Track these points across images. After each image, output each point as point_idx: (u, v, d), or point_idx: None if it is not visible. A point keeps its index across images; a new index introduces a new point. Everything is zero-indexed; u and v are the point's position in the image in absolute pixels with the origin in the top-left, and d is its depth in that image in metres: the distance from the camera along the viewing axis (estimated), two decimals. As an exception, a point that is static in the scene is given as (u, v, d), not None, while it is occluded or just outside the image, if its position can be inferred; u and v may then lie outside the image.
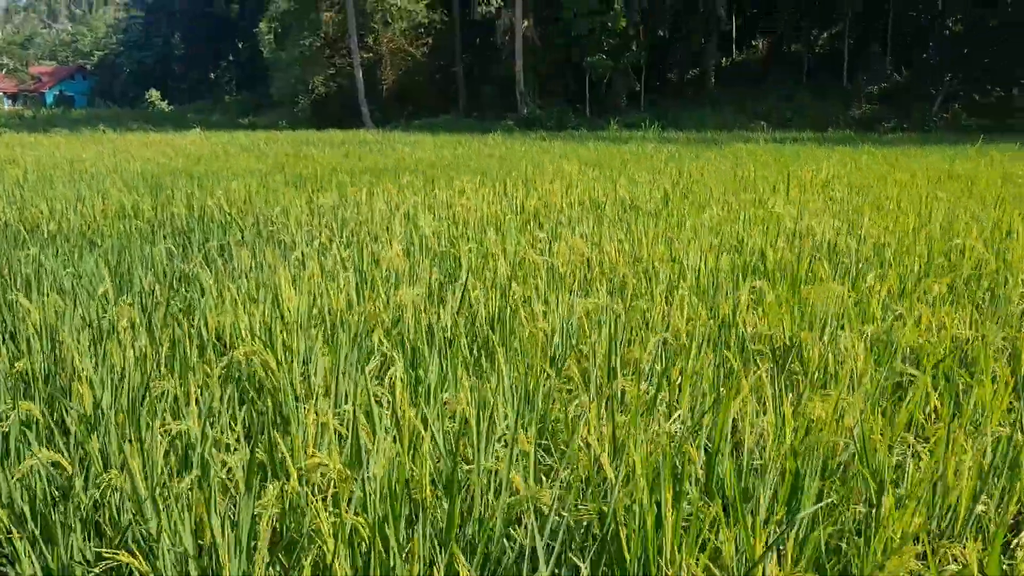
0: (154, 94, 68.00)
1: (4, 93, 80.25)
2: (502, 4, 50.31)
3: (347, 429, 2.98)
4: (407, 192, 9.88)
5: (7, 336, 4.73)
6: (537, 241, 6.75)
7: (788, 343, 4.09)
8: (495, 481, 2.65)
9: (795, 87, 46.48)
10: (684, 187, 10.33)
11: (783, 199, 8.56)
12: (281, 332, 4.27)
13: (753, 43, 56.83)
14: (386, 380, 3.72)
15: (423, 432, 2.81)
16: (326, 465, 2.46)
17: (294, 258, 6.21)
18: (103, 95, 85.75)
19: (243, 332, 4.29)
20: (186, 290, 5.68)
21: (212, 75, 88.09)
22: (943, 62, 38.72)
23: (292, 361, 3.70)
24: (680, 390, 3.50)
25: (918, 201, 8.85)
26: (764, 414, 3.13)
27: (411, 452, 2.82)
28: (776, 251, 5.93)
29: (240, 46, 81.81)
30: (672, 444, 2.78)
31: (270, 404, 3.38)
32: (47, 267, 6.10)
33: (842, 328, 4.23)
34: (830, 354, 3.71)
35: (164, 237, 8.27)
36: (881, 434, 2.83)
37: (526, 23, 43.76)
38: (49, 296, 4.91)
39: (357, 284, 5.17)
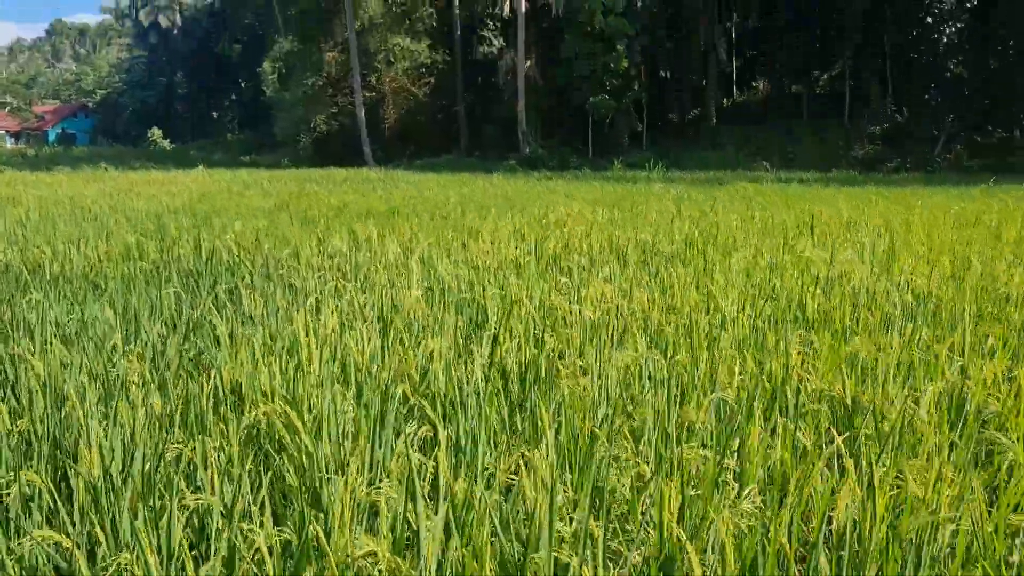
0: (156, 132, 68.23)
1: (7, 132, 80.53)
2: (504, 45, 50.69)
3: (386, 505, 2.68)
4: (419, 234, 9.63)
5: (8, 389, 4.44)
6: (561, 286, 6.47)
7: (850, 403, 3.80)
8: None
9: (796, 127, 46.62)
10: (704, 229, 10.10)
11: (809, 242, 8.32)
12: (303, 388, 3.98)
13: (754, 84, 57.22)
14: (415, 440, 3.43)
15: (476, 508, 2.52)
16: (374, 553, 2.16)
17: (309, 304, 5.93)
18: (105, 133, 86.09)
19: (262, 387, 3.99)
20: (196, 337, 5.40)
21: (214, 114, 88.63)
22: (945, 103, 38.84)
23: (319, 423, 3.40)
24: (742, 458, 3.21)
25: (946, 244, 8.60)
26: (842, 484, 2.83)
27: (464, 534, 2.52)
28: (814, 298, 5.66)
29: (243, 85, 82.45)
30: (757, 527, 2.47)
31: (296, 472, 3.08)
32: (51, 313, 5.82)
33: (905, 385, 3.94)
34: (900, 416, 3.41)
35: (170, 280, 8.00)
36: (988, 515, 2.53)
37: (528, 63, 43.97)
38: (53, 345, 4.63)
39: (381, 333, 4.89)
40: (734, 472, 3.12)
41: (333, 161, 45.73)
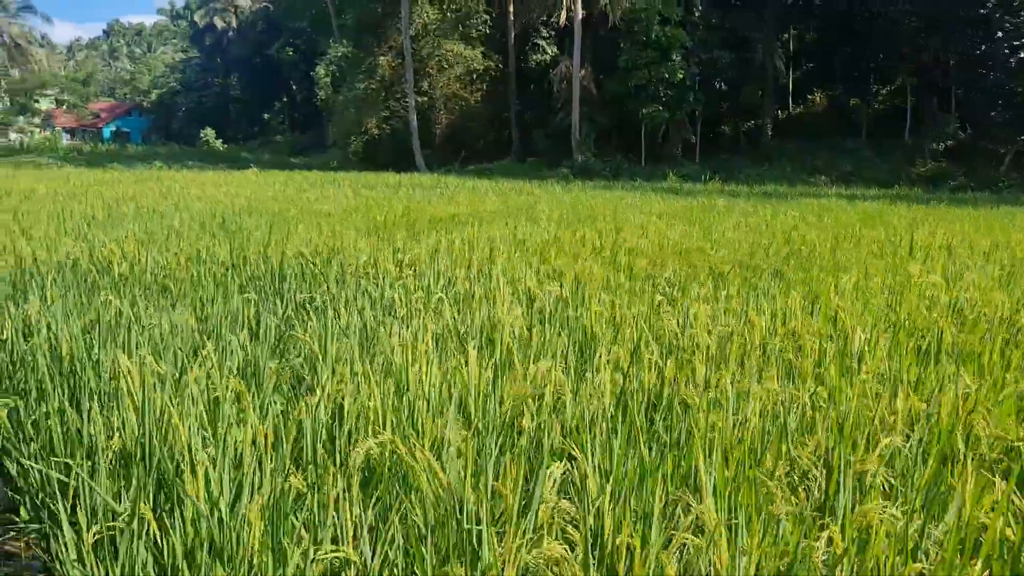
0: (209, 132, 69.04)
1: (63, 128, 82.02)
2: (557, 53, 50.37)
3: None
4: (499, 243, 9.27)
5: (92, 399, 4.15)
6: (662, 307, 6.05)
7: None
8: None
9: (854, 142, 45.64)
10: (792, 246, 9.61)
11: (919, 264, 7.79)
12: (417, 416, 3.63)
13: (809, 96, 56.21)
14: (555, 482, 3.04)
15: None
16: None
17: (400, 317, 5.59)
18: (158, 132, 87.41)
19: (371, 414, 3.64)
20: (287, 350, 5.08)
21: (265, 116, 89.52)
22: (1012, 120, 37.67)
23: (447, 460, 3.03)
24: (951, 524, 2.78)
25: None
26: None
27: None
28: (948, 328, 5.18)
29: (294, 88, 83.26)
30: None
31: (436, 519, 2.71)
32: (134, 317, 5.54)
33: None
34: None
35: (245, 288, 7.74)
36: None
37: (583, 72, 43.56)
38: (142, 352, 4.33)
39: (487, 354, 4.52)
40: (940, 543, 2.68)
41: (383, 165, 45.79)
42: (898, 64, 45.54)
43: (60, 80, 79.12)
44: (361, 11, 50.44)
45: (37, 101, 74.42)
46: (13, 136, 67.11)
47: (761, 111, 49.33)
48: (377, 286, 7.15)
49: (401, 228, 11.70)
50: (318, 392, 3.71)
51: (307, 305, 6.71)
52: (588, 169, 42.08)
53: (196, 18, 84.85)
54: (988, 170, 37.84)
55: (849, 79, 51.44)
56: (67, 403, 3.89)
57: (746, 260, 8.39)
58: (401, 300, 6.27)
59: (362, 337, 5.18)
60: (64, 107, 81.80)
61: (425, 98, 50.79)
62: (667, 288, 6.99)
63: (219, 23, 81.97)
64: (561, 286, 6.59)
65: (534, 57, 52.04)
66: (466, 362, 4.25)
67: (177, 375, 4.21)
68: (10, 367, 4.68)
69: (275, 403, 3.95)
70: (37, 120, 74.77)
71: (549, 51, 51.32)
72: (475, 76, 51.72)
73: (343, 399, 3.80)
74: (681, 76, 41.69)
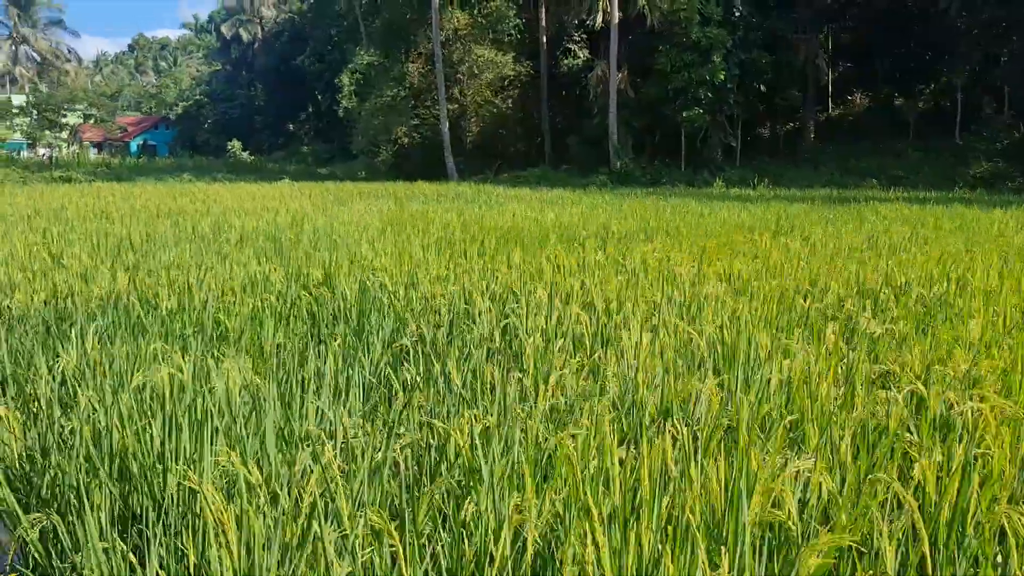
0: (236, 144, 68.50)
1: (91, 142, 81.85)
2: (590, 57, 49.16)
3: None
4: (592, 269, 8.05)
5: (162, 527, 3.00)
6: (837, 353, 4.81)
7: None
8: None
9: (901, 144, 44.03)
10: (905, 264, 8.34)
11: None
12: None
13: (849, 97, 54.61)
14: None
15: None
16: None
17: (553, 382, 4.38)
18: (184, 144, 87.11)
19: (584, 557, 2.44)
20: (402, 429, 3.90)
21: (291, 126, 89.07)
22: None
23: None
24: None
25: None
26: None
27: None
28: None
29: (319, 98, 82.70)
30: None
31: None
32: (192, 380, 4.38)
33: None
34: None
35: (313, 323, 6.59)
36: None
37: (620, 76, 42.31)
38: (220, 452, 3.18)
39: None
40: None
41: (413, 174, 44.67)
42: (947, 62, 43.91)
43: (88, 95, 78.90)
44: (390, 17, 49.49)
45: (65, 116, 74.20)
46: (42, 151, 66.84)
47: (801, 113, 47.84)
48: (479, 321, 5.95)
49: (468, 245, 10.51)
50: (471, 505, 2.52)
51: (404, 354, 5.54)
52: (626, 175, 40.82)
53: (223, 29, 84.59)
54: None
55: (892, 78, 49.84)
56: (118, 538, 2.73)
57: (898, 280, 7.11)
58: (544, 353, 5.06)
59: (498, 408, 3.97)
60: (92, 121, 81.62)
61: (455, 105, 49.76)
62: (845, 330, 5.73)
63: (244, 35, 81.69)
64: (710, 326, 5.37)
65: (565, 62, 50.86)
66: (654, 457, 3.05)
67: (272, 486, 3.03)
68: (43, 461, 3.53)
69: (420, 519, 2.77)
70: (64, 135, 74.54)
71: (581, 55, 50.09)
72: (506, 82, 50.65)
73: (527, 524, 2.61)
74: (722, 78, 40.35)
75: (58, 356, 5.51)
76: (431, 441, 3.57)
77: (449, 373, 4.52)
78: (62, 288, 7.71)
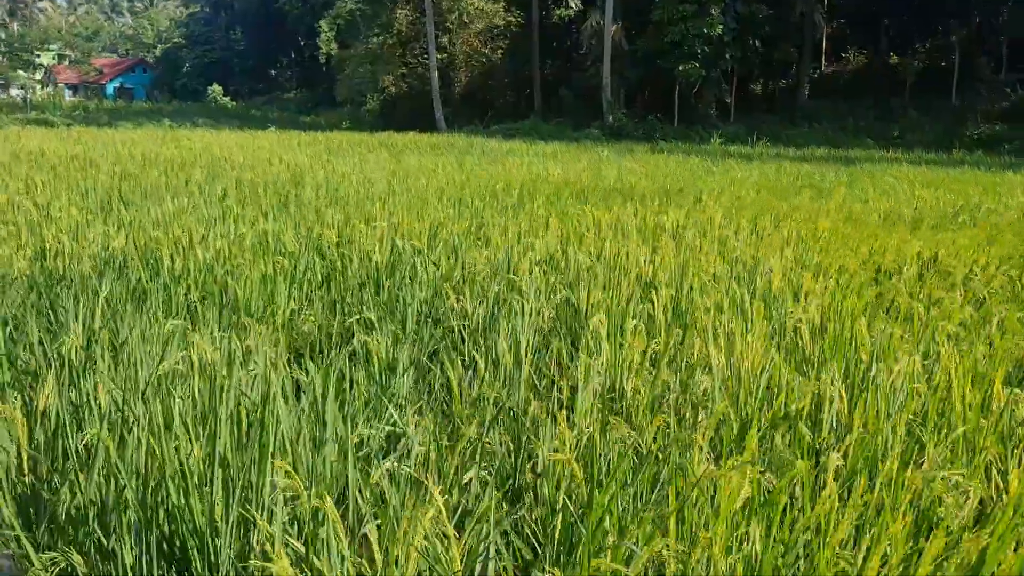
0: (216, 89, 66.71)
1: (66, 84, 79.54)
2: (582, 7, 47.91)
3: None
4: (646, 235, 7.42)
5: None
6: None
7: None
8: None
9: (897, 103, 43.41)
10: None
11: None
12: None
13: (843, 55, 53.76)
14: None
15: None
16: None
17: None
18: (163, 88, 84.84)
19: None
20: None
21: (272, 71, 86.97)
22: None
23: None
24: None
25: None
26: None
27: None
28: None
29: (302, 43, 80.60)
30: None
31: None
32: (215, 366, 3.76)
33: None
34: None
35: (341, 290, 5.95)
36: None
37: (615, 27, 41.22)
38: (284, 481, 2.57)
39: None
40: None
41: (400, 124, 43.49)
42: (945, 20, 43.20)
43: (63, 34, 76.48)
44: (379, -41, 47.94)
45: (38, 56, 71.92)
46: (15, 92, 64.83)
47: (797, 69, 46.99)
48: (526, 290, 5.34)
49: (483, 201, 9.84)
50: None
51: (451, 338, 4.93)
52: (620, 130, 39.98)
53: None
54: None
55: (888, 37, 49.08)
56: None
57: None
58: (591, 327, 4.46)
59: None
60: (66, 62, 79.30)
61: (444, 55, 48.46)
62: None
63: (225, -26, 79.16)
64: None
65: (558, 11, 49.59)
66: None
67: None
68: (55, 476, 2.90)
69: None
70: (39, 76, 72.34)
71: (574, 5, 48.83)
72: (496, 32, 49.34)
73: None
74: (720, 31, 39.41)
75: (54, 333, 4.87)
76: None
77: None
78: (51, 245, 7.01)
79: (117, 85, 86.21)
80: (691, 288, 5.25)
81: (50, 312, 5.48)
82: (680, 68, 39.93)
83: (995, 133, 36.53)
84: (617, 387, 3.74)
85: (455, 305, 5.13)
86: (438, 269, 5.90)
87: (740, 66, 43.51)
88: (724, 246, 6.68)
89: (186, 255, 6.59)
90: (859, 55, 53.12)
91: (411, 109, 47.59)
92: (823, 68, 51.67)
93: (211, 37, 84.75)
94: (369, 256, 6.23)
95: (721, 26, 39.43)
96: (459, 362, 4.18)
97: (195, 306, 6.17)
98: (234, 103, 67.21)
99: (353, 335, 5.67)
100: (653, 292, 5.04)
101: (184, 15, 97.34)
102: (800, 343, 4.11)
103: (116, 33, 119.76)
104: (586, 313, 4.79)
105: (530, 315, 4.73)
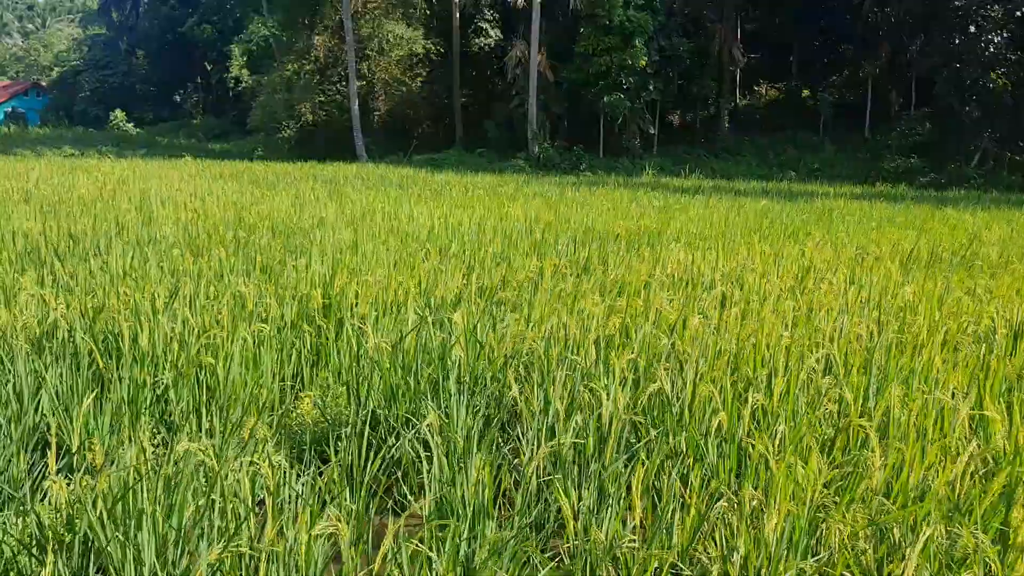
0: (119, 115, 63.63)
1: (-51, 108, 74.90)
2: (501, 37, 47.50)
3: None
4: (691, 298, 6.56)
5: None
6: None
7: None
8: None
9: (815, 136, 44.39)
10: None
11: None
12: None
13: (756, 87, 54.88)
14: None
15: None
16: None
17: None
18: (59, 113, 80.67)
19: None
20: None
21: (177, 97, 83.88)
22: (983, 115, 36.80)
23: None
24: None
25: None
26: None
27: None
28: None
29: (209, 68, 78.04)
30: None
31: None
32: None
33: None
34: None
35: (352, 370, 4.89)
36: None
37: (541, 58, 40.88)
38: None
39: None
40: None
41: (318, 153, 42.02)
42: (859, 55, 44.44)
43: (-54, 55, 72.09)
44: (296, -14, 46.54)
45: (-81, 78, 67.54)
46: None
47: (716, 101, 47.59)
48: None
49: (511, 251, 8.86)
50: None
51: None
52: (547, 161, 39.53)
53: (104, -11, 78.75)
54: (956, 166, 36.90)
55: (801, 71, 50.29)
56: None
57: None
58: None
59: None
60: (-50, 85, 74.73)
61: (363, 82, 47.25)
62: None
63: (127, -5, 76.28)
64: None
65: (476, 41, 49.00)
66: None
67: None
68: None
69: None
70: (-81, 98, 67.87)
71: (493, 35, 48.36)
72: (416, 60, 48.44)
73: None
74: (644, 63, 39.52)
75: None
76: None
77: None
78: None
79: (8, 109, 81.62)
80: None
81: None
82: (605, 99, 39.81)
83: (910, 166, 37.54)
84: None
85: (519, 400, 4.16)
86: (481, 347, 4.90)
87: (662, 98, 43.73)
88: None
89: (150, 327, 5.41)
90: (771, 88, 54.36)
91: (329, 138, 46.20)
92: (738, 101, 52.57)
93: (112, 60, 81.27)
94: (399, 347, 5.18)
95: (645, 58, 39.53)
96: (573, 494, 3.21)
97: (167, 394, 5.03)
98: (139, 130, 64.28)
99: (378, 425, 4.65)
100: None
101: (83, 36, 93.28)
102: None
103: (5, 54, 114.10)
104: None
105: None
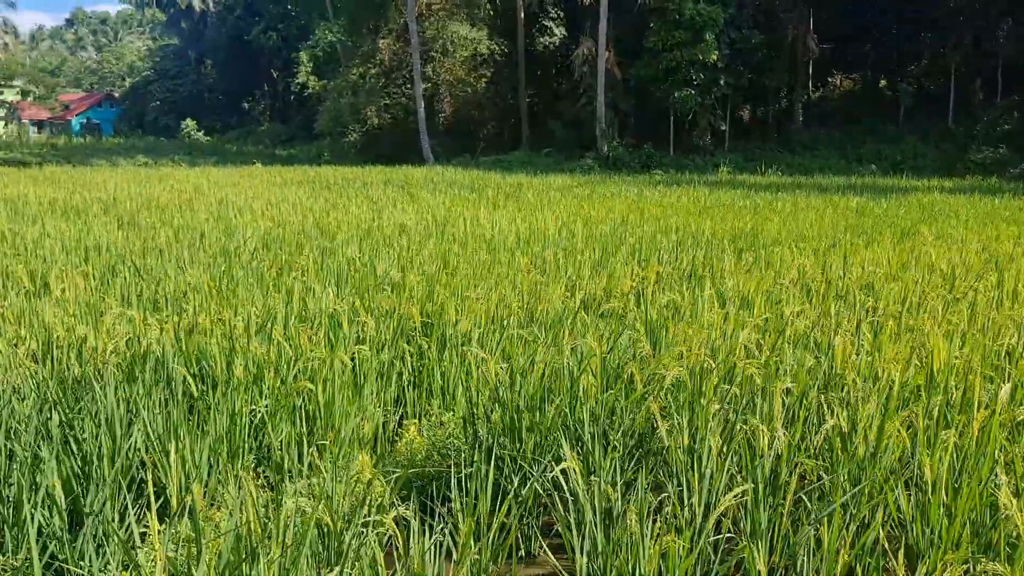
0: (190, 124, 64.80)
1: (30, 120, 77.19)
2: (566, 35, 46.94)
3: None
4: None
5: None
6: None
7: None
8: None
9: (892, 128, 42.74)
10: None
11: None
12: None
13: (830, 80, 53.16)
14: None
15: None
16: None
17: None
18: (130, 123, 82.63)
19: None
20: None
21: (245, 105, 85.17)
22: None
23: None
24: None
25: None
26: None
27: None
28: None
29: (275, 76, 79.01)
30: None
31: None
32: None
33: None
34: None
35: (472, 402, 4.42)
36: None
37: (608, 55, 40.15)
38: None
39: None
40: None
41: (384, 157, 41.90)
42: (939, 43, 42.68)
43: (26, 69, 74.40)
44: (360, -11, 46.64)
45: (1, 92, 69.78)
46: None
47: (789, 95, 46.20)
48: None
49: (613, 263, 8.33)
50: None
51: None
52: (616, 160, 38.77)
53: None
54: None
55: (880, 60, 48.49)
56: None
57: None
58: None
59: None
60: (31, 98, 77.03)
61: (428, 85, 47.08)
62: None
63: (197, 5, 77.68)
64: None
65: (541, 40, 48.44)
66: None
67: None
68: None
69: None
70: (2, 112, 70.11)
71: (558, 33, 47.78)
72: (480, 61, 48.11)
73: None
74: (715, 57, 38.50)
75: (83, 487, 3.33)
76: None
77: None
78: (62, 335, 5.40)
79: (84, 121, 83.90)
80: None
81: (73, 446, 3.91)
82: (676, 95, 38.92)
83: (999, 157, 35.81)
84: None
85: (668, 440, 3.61)
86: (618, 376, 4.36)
87: (733, 93, 42.61)
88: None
89: (244, 351, 5.02)
90: (846, 79, 52.60)
91: (395, 141, 46.14)
92: (809, 93, 50.99)
93: (181, 71, 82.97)
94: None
95: (716, 52, 38.53)
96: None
97: (264, 425, 4.62)
98: (208, 138, 65.37)
99: (494, 459, 4.15)
100: None
101: (154, 48, 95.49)
102: None
103: (80, 67, 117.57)
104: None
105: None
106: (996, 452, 3.41)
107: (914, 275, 7.07)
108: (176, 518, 3.57)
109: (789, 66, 44.57)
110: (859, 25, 47.21)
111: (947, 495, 3.11)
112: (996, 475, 3.10)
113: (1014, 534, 2.88)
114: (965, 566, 2.80)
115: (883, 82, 48.67)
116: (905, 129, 42.30)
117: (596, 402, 4.10)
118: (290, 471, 4.45)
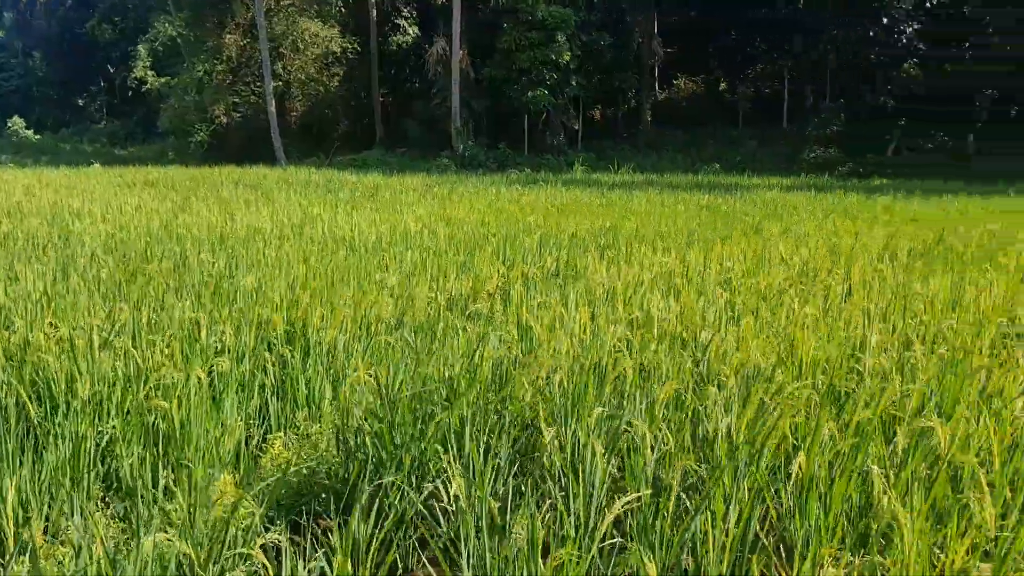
0: (18, 122, 60.39)
1: None
2: (418, 35, 46.79)
3: None
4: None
5: None
6: None
7: None
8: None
9: (734, 130, 44.91)
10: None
11: None
12: None
13: (674, 82, 55.19)
14: None
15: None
16: None
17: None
18: (-52, 121, 76.24)
19: None
20: None
21: (79, 101, 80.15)
22: (897, 105, 37.79)
23: None
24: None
25: None
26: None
27: None
28: None
29: (112, 71, 74.77)
30: None
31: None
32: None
33: None
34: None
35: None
36: None
37: (462, 54, 40.20)
38: None
39: None
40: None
41: (234, 157, 40.30)
42: (773, 48, 45.11)
43: None
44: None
45: None
46: None
47: (637, 97, 47.70)
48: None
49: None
50: None
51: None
52: (472, 160, 38.88)
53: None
54: (874, 155, 37.69)
55: (720, 64, 50.74)
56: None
57: None
58: None
59: None
60: None
61: (279, 83, 45.70)
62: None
63: (21, -4, 72.55)
64: None
65: (394, 38, 48.02)
66: None
67: None
68: None
69: None
70: None
71: (411, 32, 47.54)
72: (332, 59, 47.13)
73: None
74: (567, 58, 39.25)
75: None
76: None
77: None
78: None
79: None
80: None
81: None
82: (529, 95, 39.40)
83: (830, 157, 38.18)
84: None
85: (550, 449, 3.55)
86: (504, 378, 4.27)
87: (584, 93, 43.58)
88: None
89: (89, 367, 4.64)
90: (690, 81, 54.75)
91: (245, 141, 44.56)
92: (658, 95, 52.81)
93: (7, 63, 77.32)
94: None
95: (568, 53, 39.28)
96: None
97: (112, 447, 4.28)
98: (39, 136, 61.15)
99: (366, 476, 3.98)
100: None
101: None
102: None
103: None
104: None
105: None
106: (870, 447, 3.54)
107: (767, 270, 7.36)
108: (12, 559, 3.24)
109: (637, 68, 46.00)
110: (701, 29, 49.29)
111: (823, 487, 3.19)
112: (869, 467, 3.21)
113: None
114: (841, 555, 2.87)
115: (723, 85, 50.97)
116: (745, 132, 44.50)
117: (475, 408, 4.01)
118: (143, 496, 4.12)
